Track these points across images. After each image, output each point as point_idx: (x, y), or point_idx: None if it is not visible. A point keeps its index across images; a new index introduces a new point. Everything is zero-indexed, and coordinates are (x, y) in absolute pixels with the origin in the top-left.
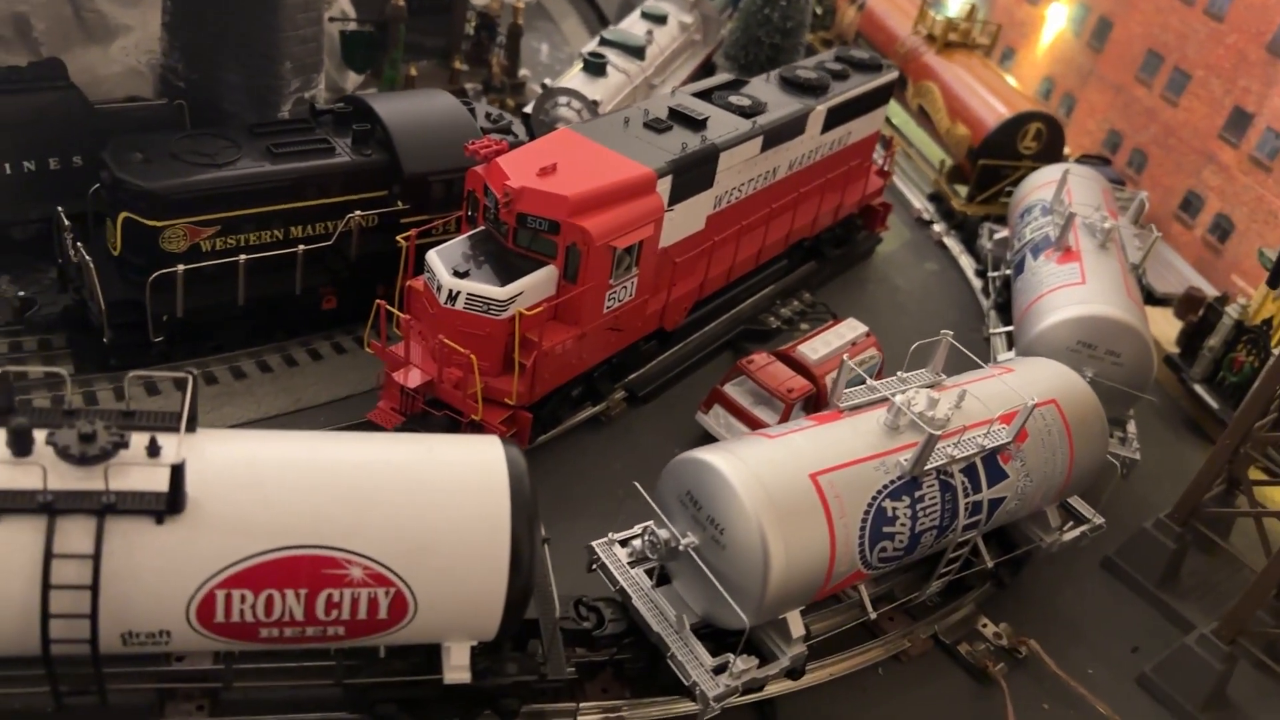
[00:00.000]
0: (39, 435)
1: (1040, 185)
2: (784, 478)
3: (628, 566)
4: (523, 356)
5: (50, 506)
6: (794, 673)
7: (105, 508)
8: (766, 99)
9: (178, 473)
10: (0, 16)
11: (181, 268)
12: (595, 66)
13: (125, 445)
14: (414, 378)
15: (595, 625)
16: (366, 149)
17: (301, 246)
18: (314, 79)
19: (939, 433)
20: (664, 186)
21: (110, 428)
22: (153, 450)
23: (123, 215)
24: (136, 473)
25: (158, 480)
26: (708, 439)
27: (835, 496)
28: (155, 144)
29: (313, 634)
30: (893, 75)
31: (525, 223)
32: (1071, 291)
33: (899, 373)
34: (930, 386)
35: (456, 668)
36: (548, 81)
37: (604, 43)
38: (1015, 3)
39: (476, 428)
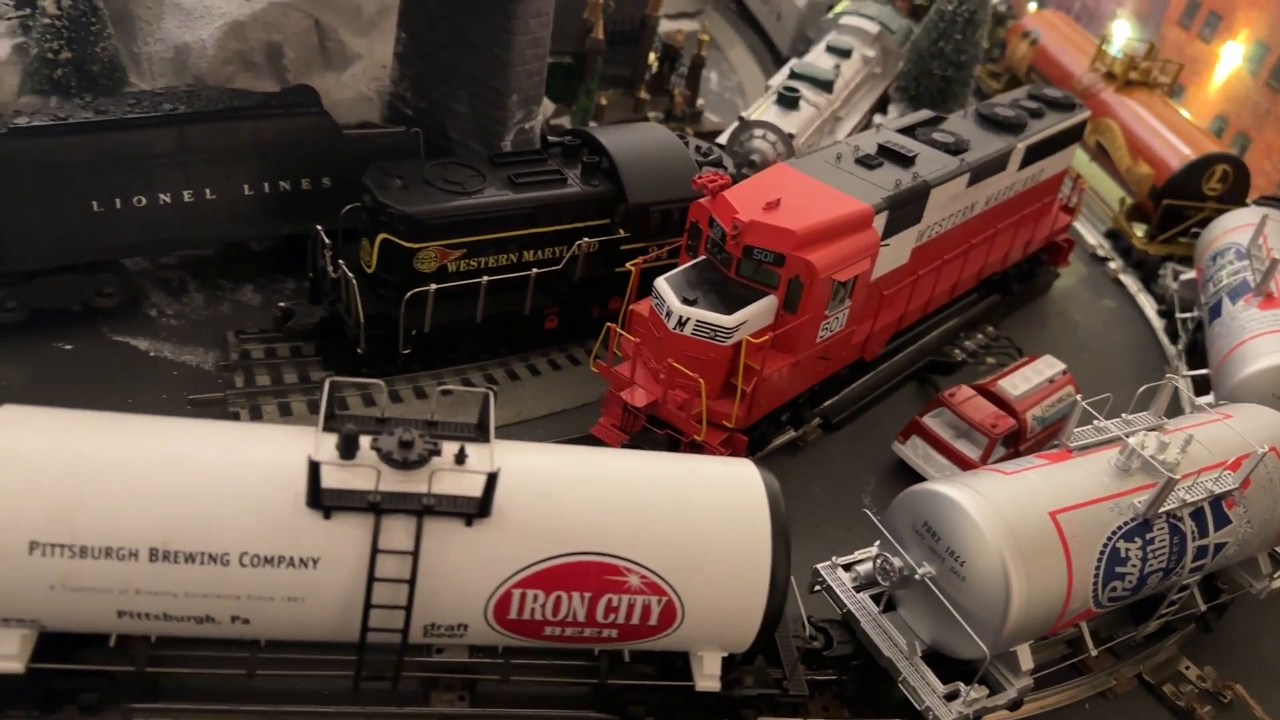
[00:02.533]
0: (364, 440)
1: (1234, 228)
2: (1025, 514)
3: (853, 590)
4: (744, 382)
5: (377, 506)
6: (1015, 704)
7: (424, 509)
8: (969, 136)
9: (492, 481)
10: (256, 45)
11: (434, 287)
12: (789, 100)
13: (438, 453)
14: (640, 397)
15: (824, 645)
16: (594, 180)
17: (534, 269)
18: (535, 110)
19: (1177, 476)
20: (879, 221)
21: (424, 436)
22: (460, 458)
23: (382, 236)
24: (449, 478)
25: (466, 485)
26: (902, 468)
27: (1073, 535)
28: (410, 171)
29: (589, 635)
30: (1085, 115)
31: (751, 254)
32: (1276, 339)
33: (1123, 414)
34: (1155, 429)
35: (709, 676)
36: (743, 114)
37: (794, 76)
38: (1186, 39)
39: (695, 447)
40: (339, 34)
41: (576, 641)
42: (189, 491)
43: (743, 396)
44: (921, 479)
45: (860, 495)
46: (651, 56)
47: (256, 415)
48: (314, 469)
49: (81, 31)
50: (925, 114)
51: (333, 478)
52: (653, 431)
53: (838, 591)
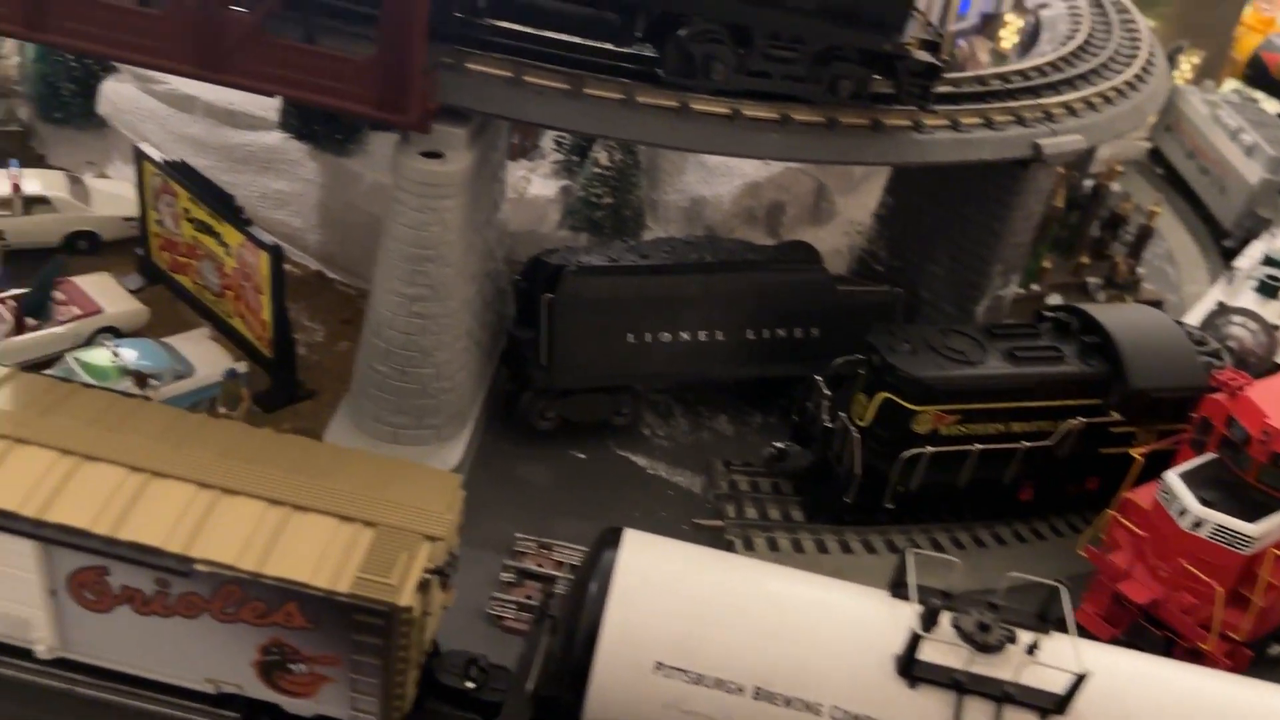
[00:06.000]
0: (942, 616)
1: None
2: None
3: None
4: (1261, 595)
5: (961, 685)
6: None
7: (1005, 696)
8: None
9: (1079, 682)
10: (764, 202)
11: (929, 450)
12: (1270, 288)
13: (1013, 639)
14: (1142, 593)
15: None
16: (1091, 360)
17: (1024, 442)
18: (1013, 278)
19: None
20: None
21: (998, 621)
22: (1032, 649)
23: (884, 395)
24: (1026, 667)
25: (1042, 677)
26: None
27: None
28: (914, 335)
29: None
30: None
31: (1278, 463)
32: None
33: None
34: None
35: None
36: (1223, 300)
37: (1270, 262)
38: None
39: (1194, 654)
40: (831, 195)
41: None
42: (792, 637)
43: (1257, 610)
44: None
45: None
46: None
47: (749, 546)
48: (913, 641)
49: (624, 182)
50: None
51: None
52: (1150, 631)
53: None
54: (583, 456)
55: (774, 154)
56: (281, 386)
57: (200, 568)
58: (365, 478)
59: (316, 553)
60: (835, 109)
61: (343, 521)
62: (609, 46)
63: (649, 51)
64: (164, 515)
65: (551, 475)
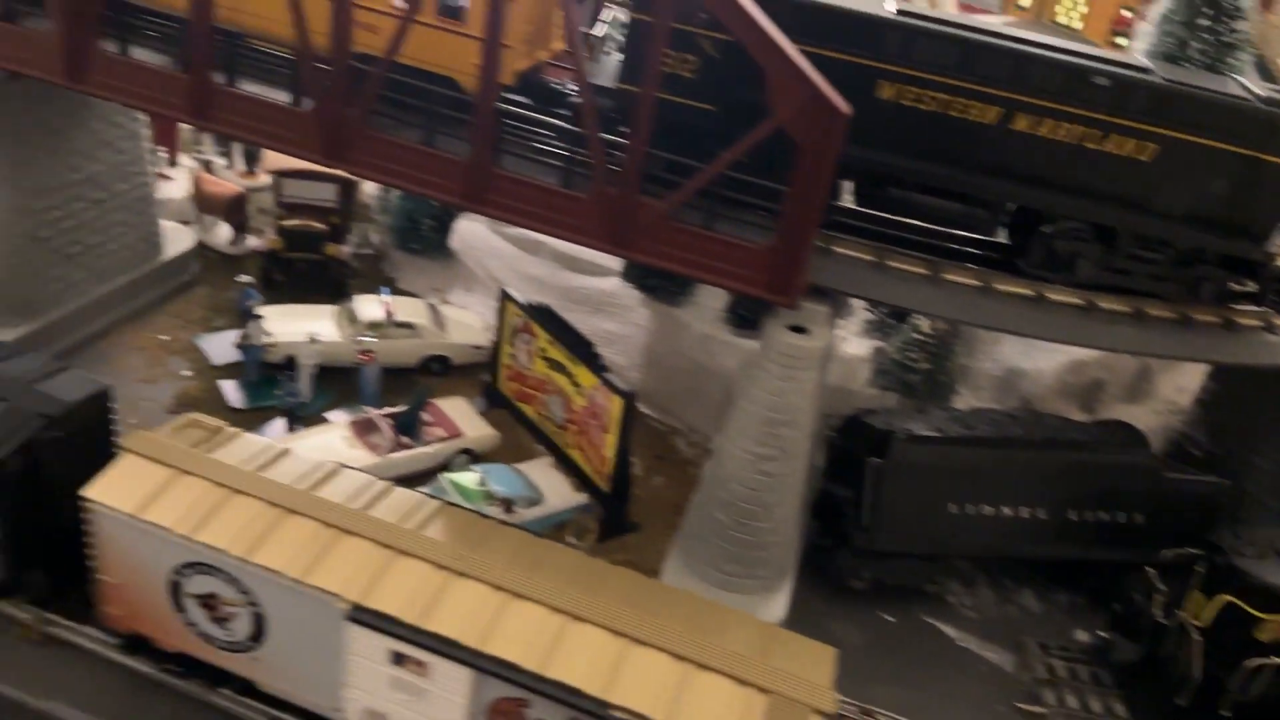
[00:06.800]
0: None
1: None
2: None
3: None
4: None
5: None
6: None
7: None
8: None
9: None
10: (1086, 380)
11: (1276, 660)
12: None
13: None
14: None
15: None
16: None
17: None
18: None
19: None
20: None
21: None
22: None
23: (1226, 598)
24: None
25: None
26: None
27: None
28: (1260, 538)
29: None
30: None
31: None
32: None
33: None
34: None
35: None
36: None
37: None
38: None
39: None
40: (1153, 375)
41: None
42: None
43: None
44: None
45: None
46: None
47: None
48: None
49: (942, 349)
50: None
51: None
52: None
53: None
54: (891, 619)
55: (1127, 347)
56: (614, 519)
57: (618, 714)
58: (749, 639)
59: (718, 715)
60: (1189, 305)
61: (739, 684)
62: (967, 234)
63: (1004, 239)
64: (583, 656)
65: (863, 636)
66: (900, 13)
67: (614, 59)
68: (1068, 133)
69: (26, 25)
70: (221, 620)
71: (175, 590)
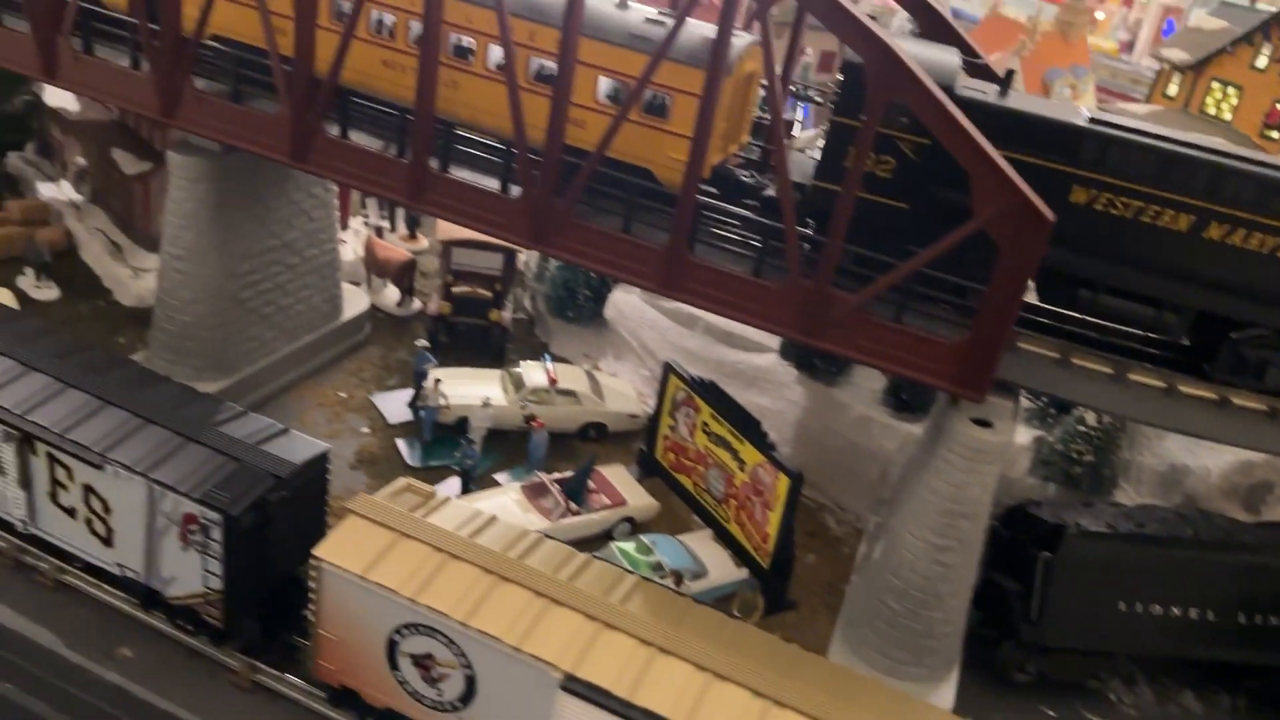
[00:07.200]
0: None
1: None
2: None
3: None
4: None
5: None
6: None
7: None
8: None
9: None
10: (1256, 480)
11: None
12: None
13: None
14: None
15: None
16: None
17: None
18: None
19: None
20: None
21: None
22: None
23: None
24: None
25: None
26: None
27: None
28: None
29: None
30: None
31: None
32: None
33: None
34: None
35: None
36: None
37: None
38: None
39: None
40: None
41: None
42: None
43: None
44: None
45: None
46: None
47: None
48: None
49: (1109, 443)
50: None
51: None
52: None
53: None
54: (1053, 715)
55: None
56: (774, 596)
57: None
58: None
59: None
60: None
61: None
62: (1151, 335)
63: (1186, 341)
64: None
65: None
66: (1094, 121)
67: (804, 155)
68: (1260, 242)
69: (253, 106)
70: (434, 680)
71: (392, 648)
